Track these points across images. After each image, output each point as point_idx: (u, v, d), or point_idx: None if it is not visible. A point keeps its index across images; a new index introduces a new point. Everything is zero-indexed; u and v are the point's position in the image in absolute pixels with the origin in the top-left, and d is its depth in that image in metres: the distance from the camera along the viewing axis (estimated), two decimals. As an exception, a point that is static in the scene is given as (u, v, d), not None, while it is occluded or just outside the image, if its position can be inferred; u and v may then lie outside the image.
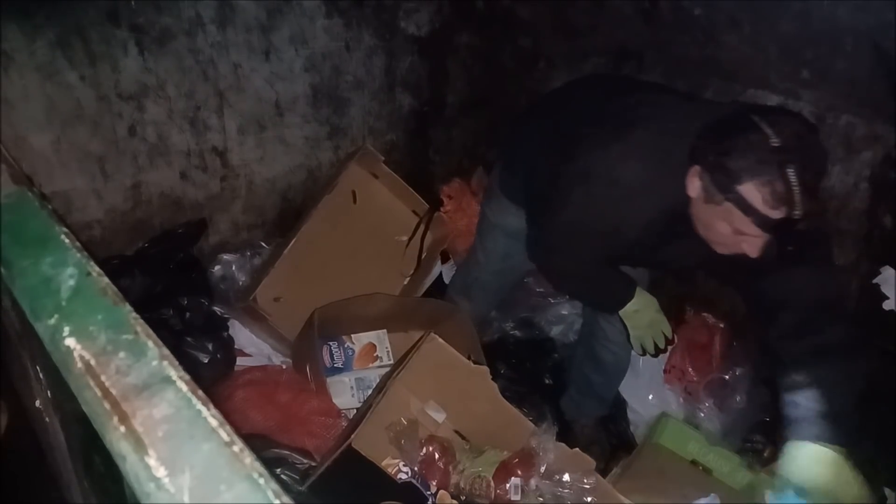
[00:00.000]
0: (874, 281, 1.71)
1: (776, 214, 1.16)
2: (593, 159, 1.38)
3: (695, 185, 1.25)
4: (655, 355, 1.68)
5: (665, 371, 2.10)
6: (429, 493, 1.67)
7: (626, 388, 2.10)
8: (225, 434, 0.50)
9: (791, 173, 1.12)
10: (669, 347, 1.72)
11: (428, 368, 1.72)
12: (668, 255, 1.53)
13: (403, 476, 1.67)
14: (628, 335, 1.65)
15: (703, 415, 1.99)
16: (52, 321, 0.59)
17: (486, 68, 2.54)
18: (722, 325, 2.10)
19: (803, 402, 1.32)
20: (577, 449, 1.65)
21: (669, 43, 1.99)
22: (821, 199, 1.20)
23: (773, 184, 1.13)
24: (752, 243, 1.22)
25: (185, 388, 0.53)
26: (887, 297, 1.68)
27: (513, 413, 1.74)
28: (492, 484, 1.65)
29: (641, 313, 1.62)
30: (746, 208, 1.17)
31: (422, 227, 2.31)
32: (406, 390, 1.81)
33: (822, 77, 1.69)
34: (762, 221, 1.17)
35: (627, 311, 1.61)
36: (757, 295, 1.45)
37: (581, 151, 1.43)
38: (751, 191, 1.16)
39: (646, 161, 1.33)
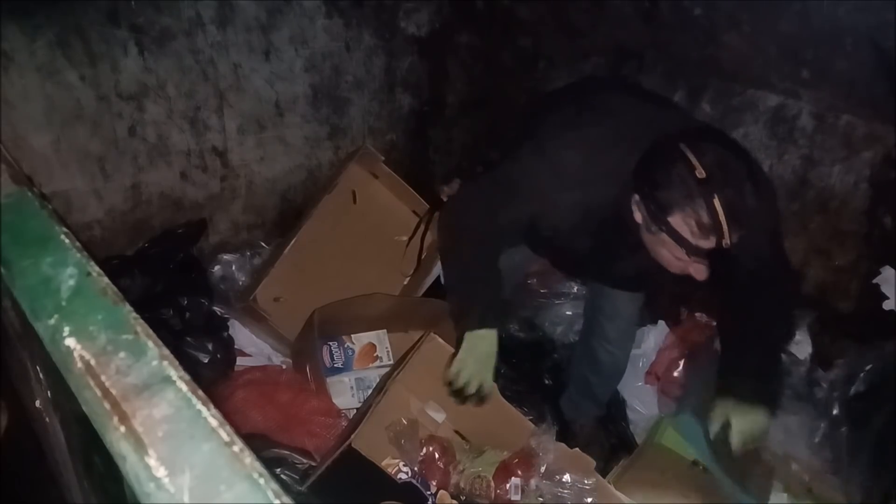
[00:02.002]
0: (874, 281, 1.71)
1: (706, 244, 1.19)
2: (548, 140, 1.43)
3: (637, 214, 1.29)
4: (460, 400, 1.52)
5: (648, 373, 2.11)
6: (429, 493, 1.67)
7: (626, 388, 2.10)
8: (225, 434, 0.50)
9: (717, 204, 1.15)
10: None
11: (427, 368, 1.72)
12: (623, 271, 1.58)
13: (403, 476, 1.67)
14: (457, 350, 1.51)
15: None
16: (52, 321, 0.59)
17: (486, 68, 2.54)
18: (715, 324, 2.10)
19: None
20: (577, 449, 1.65)
21: (669, 43, 1.99)
22: (751, 223, 1.20)
23: (699, 215, 1.17)
24: (696, 268, 1.25)
25: (185, 388, 0.53)
26: (887, 297, 1.68)
27: (512, 413, 1.74)
28: (492, 484, 1.65)
29: (479, 349, 1.50)
30: (678, 239, 1.21)
31: (422, 227, 2.31)
32: (406, 390, 1.81)
33: (822, 77, 1.70)
34: (694, 250, 1.21)
35: (474, 335, 1.49)
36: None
37: (543, 131, 1.48)
38: (679, 222, 1.20)
39: (590, 159, 1.36)
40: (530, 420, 1.78)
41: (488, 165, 1.65)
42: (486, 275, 1.53)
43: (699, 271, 1.25)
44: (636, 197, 1.27)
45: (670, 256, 1.26)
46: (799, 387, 1.76)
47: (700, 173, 1.15)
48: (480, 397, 1.52)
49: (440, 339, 1.67)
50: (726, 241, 1.17)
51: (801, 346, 1.78)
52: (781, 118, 1.81)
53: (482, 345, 1.51)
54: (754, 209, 1.18)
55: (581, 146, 1.38)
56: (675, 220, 1.20)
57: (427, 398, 1.83)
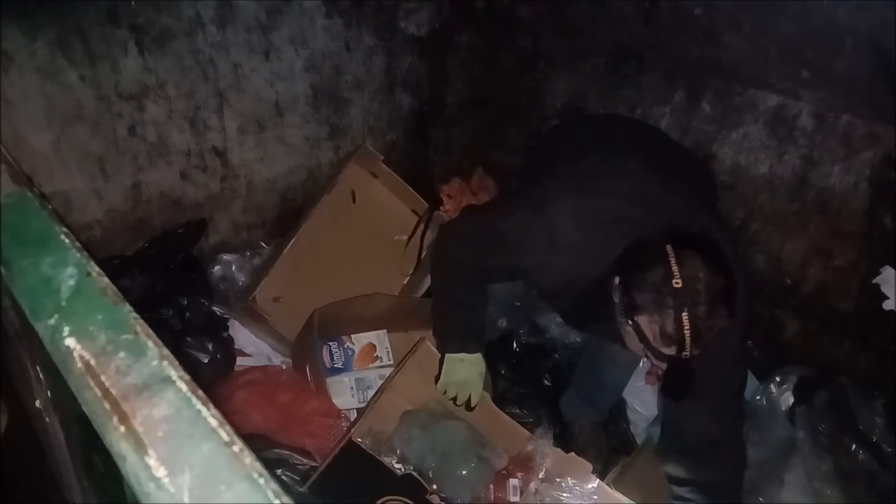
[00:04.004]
0: (874, 281, 1.71)
1: (667, 351, 1.20)
2: (551, 199, 1.41)
3: (616, 295, 1.29)
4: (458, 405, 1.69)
5: (648, 373, 2.11)
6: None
7: (627, 388, 2.10)
8: (225, 434, 0.50)
9: (685, 318, 1.15)
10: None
11: (421, 375, 1.73)
12: (598, 331, 1.60)
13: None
14: (439, 374, 1.64)
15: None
16: (52, 321, 0.59)
17: (486, 68, 2.54)
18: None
19: None
20: (573, 453, 1.65)
21: (669, 43, 1.99)
22: (711, 340, 1.20)
23: (664, 324, 1.17)
24: (656, 362, 1.27)
25: (185, 388, 0.53)
26: (887, 297, 1.68)
27: (507, 421, 1.76)
28: (491, 487, 1.65)
29: (463, 369, 1.62)
30: (641, 337, 1.22)
31: (421, 227, 2.31)
32: (400, 396, 1.81)
33: (822, 77, 1.69)
34: (654, 353, 1.22)
35: (454, 357, 1.62)
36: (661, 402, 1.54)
37: (550, 183, 1.48)
38: (645, 324, 1.21)
39: (585, 232, 1.36)
40: (528, 424, 1.78)
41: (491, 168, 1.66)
42: (471, 302, 1.60)
43: (658, 364, 1.27)
44: (616, 280, 1.28)
45: (634, 343, 1.28)
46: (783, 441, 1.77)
47: (676, 283, 1.15)
48: (470, 407, 1.66)
49: (432, 346, 1.69)
50: (686, 354, 1.18)
51: (784, 399, 1.80)
52: (781, 118, 1.81)
53: (462, 368, 1.62)
54: (722, 329, 1.18)
55: (580, 218, 1.37)
56: (642, 321, 1.21)
57: (421, 404, 1.83)
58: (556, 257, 1.37)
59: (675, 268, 1.16)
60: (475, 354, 1.63)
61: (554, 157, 1.61)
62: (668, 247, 1.19)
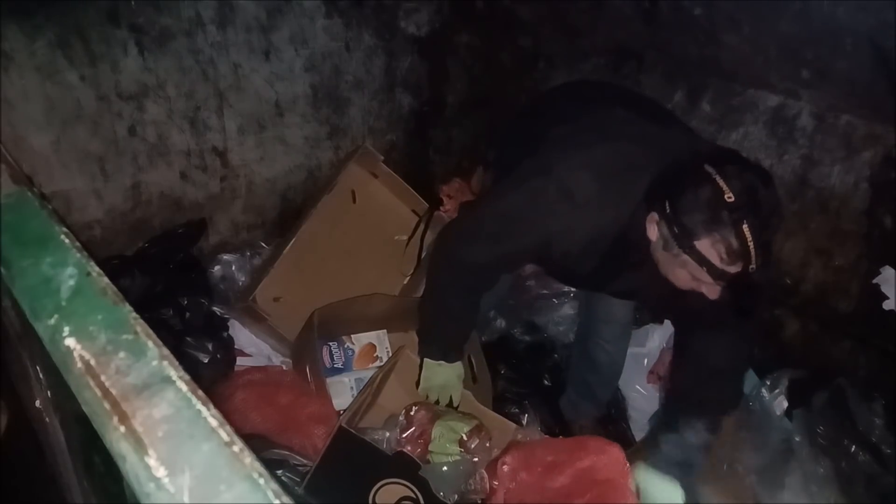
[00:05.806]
0: (874, 281, 1.71)
1: (733, 269, 1.17)
2: (555, 160, 1.37)
3: (653, 232, 1.25)
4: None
5: (650, 372, 2.11)
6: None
7: (627, 388, 2.10)
8: (225, 434, 0.50)
9: (746, 230, 1.13)
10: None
11: (405, 382, 1.75)
12: (619, 286, 1.55)
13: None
14: (419, 379, 1.68)
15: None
16: (52, 321, 0.59)
17: (486, 68, 2.54)
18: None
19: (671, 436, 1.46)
20: (561, 437, 1.67)
21: (669, 43, 1.98)
22: (772, 253, 1.19)
23: (728, 241, 1.14)
24: (710, 288, 1.23)
25: (185, 388, 0.53)
26: (887, 297, 1.68)
27: (494, 416, 1.76)
28: (486, 477, 1.65)
29: (442, 372, 1.66)
30: (703, 262, 1.18)
31: (421, 227, 2.31)
32: (386, 409, 1.82)
33: (822, 77, 1.69)
34: (719, 275, 1.18)
35: (432, 363, 1.65)
36: (682, 337, 1.55)
37: (547, 149, 1.44)
38: (707, 247, 1.17)
39: (602, 180, 1.32)
40: (516, 414, 1.79)
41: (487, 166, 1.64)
42: (462, 313, 1.61)
43: (712, 291, 1.22)
44: (654, 216, 1.24)
45: (686, 275, 1.23)
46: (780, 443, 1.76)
47: (729, 197, 1.13)
48: (453, 407, 1.70)
49: (411, 354, 1.74)
50: (753, 267, 1.15)
51: (778, 403, 1.79)
52: (781, 118, 1.81)
53: (441, 372, 1.66)
54: (776, 234, 1.17)
55: (592, 168, 1.33)
56: (703, 245, 1.17)
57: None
58: (579, 214, 1.32)
59: (722, 183, 1.14)
60: (453, 364, 1.66)
61: (539, 129, 1.56)
62: (708, 167, 1.16)
